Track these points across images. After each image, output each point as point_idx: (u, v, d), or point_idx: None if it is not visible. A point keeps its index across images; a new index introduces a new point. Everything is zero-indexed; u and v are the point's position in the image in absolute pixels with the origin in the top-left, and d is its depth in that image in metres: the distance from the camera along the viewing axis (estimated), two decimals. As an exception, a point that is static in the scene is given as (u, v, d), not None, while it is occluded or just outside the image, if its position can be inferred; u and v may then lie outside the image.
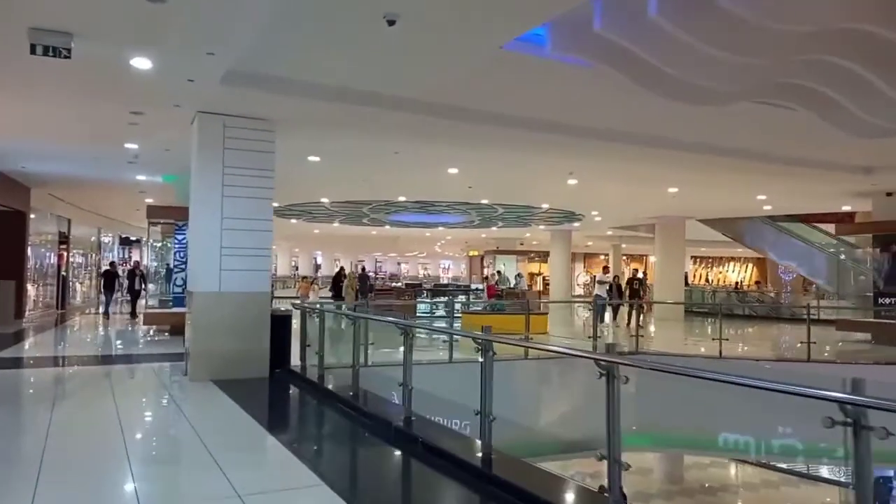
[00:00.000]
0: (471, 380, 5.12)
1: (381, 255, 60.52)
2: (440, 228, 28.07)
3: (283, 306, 10.47)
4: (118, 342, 12.82)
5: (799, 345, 11.73)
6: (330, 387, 7.26)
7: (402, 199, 17.43)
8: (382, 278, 45.46)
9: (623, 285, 18.67)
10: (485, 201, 17.61)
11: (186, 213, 13.83)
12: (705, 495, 8.68)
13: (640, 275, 19.86)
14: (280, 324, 8.46)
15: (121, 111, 8.06)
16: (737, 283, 40.41)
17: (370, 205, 18.82)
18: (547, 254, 41.27)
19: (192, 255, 8.42)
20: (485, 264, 45.18)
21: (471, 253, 44.07)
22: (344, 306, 13.74)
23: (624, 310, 16.69)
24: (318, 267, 52.41)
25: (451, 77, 6.89)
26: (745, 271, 45.76)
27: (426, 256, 63.97)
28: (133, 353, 10.74)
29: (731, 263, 45.92)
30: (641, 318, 14.73)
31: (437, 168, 12.07)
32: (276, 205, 13.35)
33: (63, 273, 19.97)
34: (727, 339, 10.89)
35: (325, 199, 17.72)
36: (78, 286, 22.07)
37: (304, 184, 14.55)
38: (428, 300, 20.04)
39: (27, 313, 15.97)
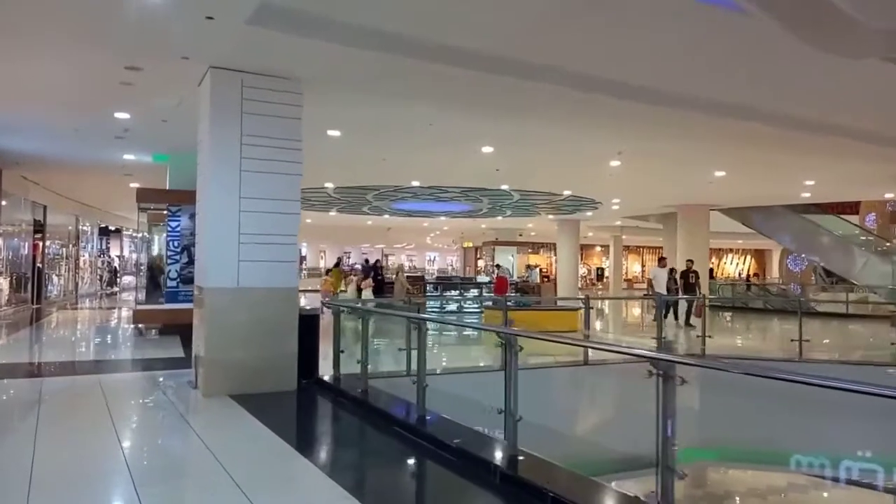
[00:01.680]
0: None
1: (368, 246, 59.00)
2: (441, 218, 26.70)
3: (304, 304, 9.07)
4: (105, 344, 11.30)
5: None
6: (381, 406, 5.89)
7: (415, 183, 16.01)
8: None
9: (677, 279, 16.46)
10: (504, 187, 16.27)
11: (180, 198, 12.35)
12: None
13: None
14: (307, 326, 7.05)
15: (114, 66, 6.57)
16: (748, 275, 39.51)
17: (377, 190, 17.38)
18: (543, 245, 40.17)
19: (201, 243, 6.96)
20: (478, 256, 43.90)
21: (465, 244, 42.71)
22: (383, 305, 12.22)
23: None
24: (303, 259, 50.65)
25: (526, 23, 5.53)
26: (744, 263, 45.08)
27: (413, 248, 62.63)
28: (125, 359, 9.25)
29: (730, 255, 45.19)
30: (692, 315, 13.46)
31: (469, 145, 10.69)
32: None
33: (39, 265, 18.25)
34: (803, 340, 9.68)
35: (329, 184, 16.24)
36: (55, 279, 20.33)
37: (313, 166, 13.00)
38: (454, 296, 18.53)
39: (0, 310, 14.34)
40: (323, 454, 5.07)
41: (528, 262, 31.70)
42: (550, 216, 24.69)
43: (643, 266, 45.24)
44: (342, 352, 7.10)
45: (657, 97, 7.52)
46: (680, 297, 14.22)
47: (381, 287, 16.52)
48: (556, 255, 42.06)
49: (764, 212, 20.88)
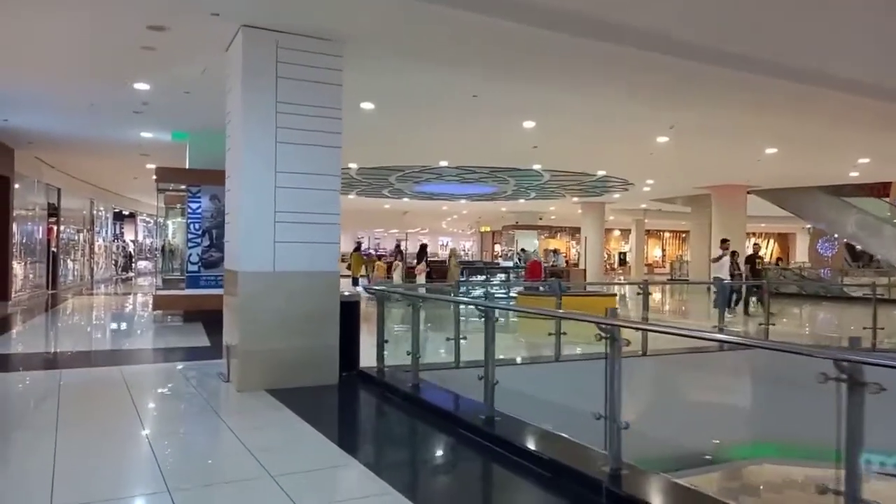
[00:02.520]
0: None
1: (381, 231, 58.25)
2: (462, 201, 26.02)
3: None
4: (125, 332, 10.76)
5: None
6: (438, 403, 5.26)
7: (443, 163, 15.31)
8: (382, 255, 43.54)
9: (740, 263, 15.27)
10: (536, 166, 15.53)
11: (201, 178, 11.73)
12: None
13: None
14: (347, 313, 6.41)
15: (136, 25, 5.92)
16: (779, 258, 38.52)
17: (402, 172, 16.69)
18: (561, 229, 39.33)
19: (233, 223, 6.33)
20: (495, 240, 43.14)
21: (482, 229, 42.01)
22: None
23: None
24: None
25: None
26: (767, 247, 44.07)
27: (427, 233, 61.94)
28: (146, 348, 8.67)
29: (752, 239, 44.15)
30: (753, 304, 12.44)
31: (511, 119, 9.97)
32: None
33: (53, 249, 17.76)
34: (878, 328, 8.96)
35: (353, 165, 15.57)
36: (70, 264, 19.85)
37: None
38: (493, 282, 17.67)
39: (13, 295, 13.84)
40: (377, 456, 4.46)
41: (545, 247, 30.83)
42: (575, 199, 23.94)
43: (663, 250, 44.39)
44: (386, 342, 6.48)
45: (723, 58, 6.78)
46: (744, 282, 13.21)
47: (429, 273, 15.64)
48: (572, 238, 41.42)
49: (801, 193, 20.02)
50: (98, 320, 12.25)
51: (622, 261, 38.09)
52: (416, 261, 16.30)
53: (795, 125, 10.23)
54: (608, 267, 40.44)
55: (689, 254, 29.18)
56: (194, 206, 11.62)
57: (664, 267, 42.95)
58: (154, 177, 12.00)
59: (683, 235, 44.30)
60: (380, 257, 16.87)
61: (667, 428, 6.81)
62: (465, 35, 6.16)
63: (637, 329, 4.08)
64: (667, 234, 44.26)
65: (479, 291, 12.54)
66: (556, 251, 27.45)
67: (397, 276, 15.04)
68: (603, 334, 3.58)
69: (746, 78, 7.39)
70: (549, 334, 7.33)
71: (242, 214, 5.89)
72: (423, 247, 18.23)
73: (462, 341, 6.70)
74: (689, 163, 14.23)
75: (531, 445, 4.03)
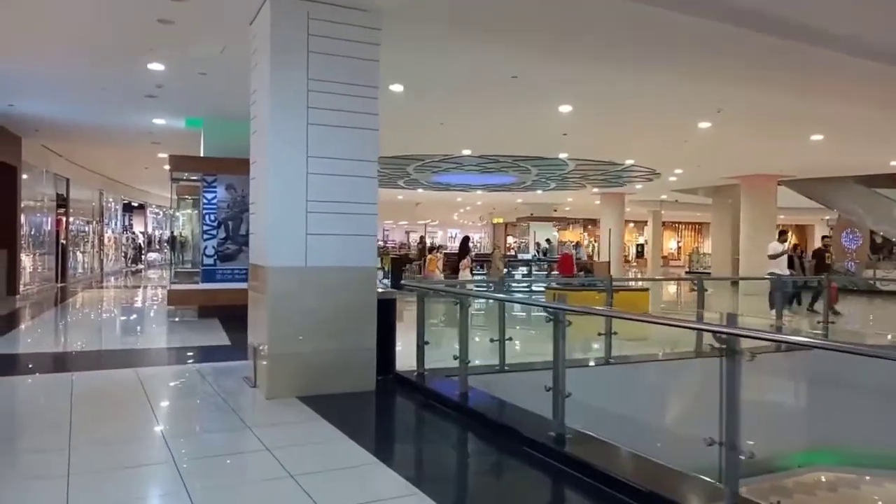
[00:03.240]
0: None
1: (391, 222, 57.69)
2: (478, 191, 25.43)
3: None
4: (139, 329, 10.25)
5: None
6: (493, 416, 4.70)
7: (466, 152, 14.70)
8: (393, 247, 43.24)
9: (794, 259, 14.45)
10: (563, 155, 14.90)
11: (218, 166, 11.17)
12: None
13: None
14: (382, 312, 5.84)
15: (153, -5, 5.35)
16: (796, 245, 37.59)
17: (421, 161, 16.09)
18: (574, 221, 38.64)
19: (259, 213, 5.78)
20: (507, 232, 42.48)
21: (495, 220, 41.39)
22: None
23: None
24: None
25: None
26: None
27: (437, 224, 61.35)
28: (163, 348, 8.14)
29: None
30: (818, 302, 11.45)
31: (548, 103, 9.37)
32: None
33: (62, 241, 17.29)
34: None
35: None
36: (79, 256, 19.39)
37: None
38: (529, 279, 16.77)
39: (22, 288, 13.36)
40: (438, 483, 3.90)
41: (562, 239, 30.10)
42: (595, 189, 23.29)
43: (679, 242, 43.69)
44: (427, 343, 5.92)
45: (785, 28, 6.16)
46: (815, 277, 12.06)
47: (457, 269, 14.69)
48: (584, 230, 40.75)
49: (833, 183, 19.30)
50: (110, 316, 11.76)
51: (639, 253, 37.31)
52: (462, 254, 15.15)
53: (846, 110, 9.59)
54: (625, 259, 39.81)
55: (710, 246, 28.55)
56: (209, 196, 11.07)
57: (679, 259, 42.28)
58: (167, 166, 11.47)
59: (699, 227, 43.59)
60: (431, 249, 15.79)
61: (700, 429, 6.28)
62: (513, 5, 5.56)
63: (767, 340, 3.48)
64: (682, 226, 43.52)
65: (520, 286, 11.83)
66: (577, 244, 26.66)
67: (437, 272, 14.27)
68: (719, 345, 2.99)
69: (806, 53, 6.75)
70: (599, 334, 6.74)
71: (270, 204, 5.32)
72: (466, 239, 17.04)
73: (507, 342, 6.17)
74: (726, 151, 13.56)
75: (622, 472, 3.46)
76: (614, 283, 9.10)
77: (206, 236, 11.07)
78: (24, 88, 9.03)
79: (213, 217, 11.09)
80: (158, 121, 11.04)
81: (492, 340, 6.23)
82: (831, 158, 14.30)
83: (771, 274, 11.26)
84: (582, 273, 12.77)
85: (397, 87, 8.37)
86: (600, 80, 8.24)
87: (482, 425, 4.65)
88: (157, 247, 33.13)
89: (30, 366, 6.85)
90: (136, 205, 29.91)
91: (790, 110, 9.66)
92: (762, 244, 17.97)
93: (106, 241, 22.99)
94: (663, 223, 40.78)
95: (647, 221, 33.83)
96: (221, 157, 10.75)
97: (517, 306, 10.37)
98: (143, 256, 29.66)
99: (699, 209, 34.77)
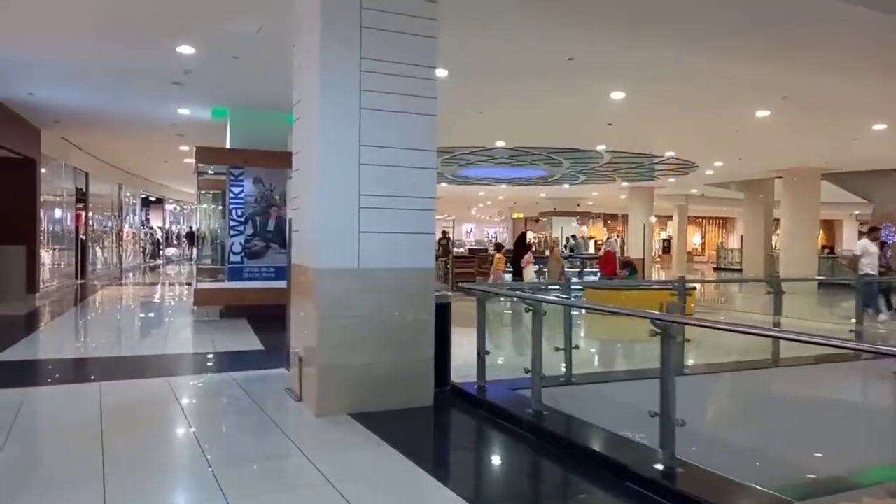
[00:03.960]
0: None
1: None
2: (502, 185, 24.80)
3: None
4: (165, 331, 9.75)
5: None
6: (579, 440, 4.11)
7: (499, 144, 14.09)
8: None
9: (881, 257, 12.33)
10: (600, 147, 14.23)
11: (247, 158, 10.61)
12: None
13: None
14: (437, 317, 5.27)
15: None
16: (825, 246, 36.80)
17: (452, 153, 15.48)
18: (594, 216, 37.78)
19: (304, 208, 5.21)
20: (527, 227, 41.68)
21: (515, 215, 40.70)
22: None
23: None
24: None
25: None
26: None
27: (453, 219, 60.83)
28: (193, 353, 7.59)
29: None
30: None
31: (601, 88, 8.75)
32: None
33: (82, 237, 16.89)
34: None
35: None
36: (99, 251, 19.01)
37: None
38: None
39: (42, 286, 12.94)
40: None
41: (582, 235, 29.21)
42: (624, 183, 22.58)
43: (703, 238, 42.79)
44: (488, 353, 5.34)
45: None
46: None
47: (518, 268, 13.61)
48: (605, 225, 39.91)
49: (877, 176, 18.47)
50: (133, 316, 11.27)
51: (666, 248, 36.46)
52: (522, 251, 14.06)
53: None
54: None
55: (735, 242, 27.70)
56: (236, 190, 10.56)
57: (703, 255, 41.38)
58: (188, 159, 10.96)
59: (723, 222, 42.66)
60: (498, 248, 14.75)
61: (799, 448, 5.64)
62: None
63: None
64: (705, 221, 42.60)
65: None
66: (609, 239, 25.76)
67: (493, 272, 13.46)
68: None
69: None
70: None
71: (319, 198, 4.75)
72: (524, 235, 15.77)
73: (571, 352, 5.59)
74: (777, 142, 12.82)
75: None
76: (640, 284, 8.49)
77: (232, 232, 10.57)
78: (44, 75, 8.53)
79: (239, 212, 10.58)
80: (183, 111, 10.54)
81: (556, 349, 5.64)
82: (884, 150, 13.53)
83: (864, 275, 10.16)
84: (625, 272, 12.02)
85: (441, 72, 7.76)
86: (662, 64, 7.61)
87: (564, 450, 4.06)
88: (175, 242, 32.83)
89: (53, 375, 6.36)
90: (153, 199, 29.58)
91: (859, 98, 8.97)
92: (804, 240, 17.27)
93: (125, 236, 22.63)
94: (688, 219, 40.01)
95: (671, 216, 32.98)
96: (249, 148, 10.26)
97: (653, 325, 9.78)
98: (161, 252, 29.33)
99: (725, 203, 33.92)
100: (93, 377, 6.02)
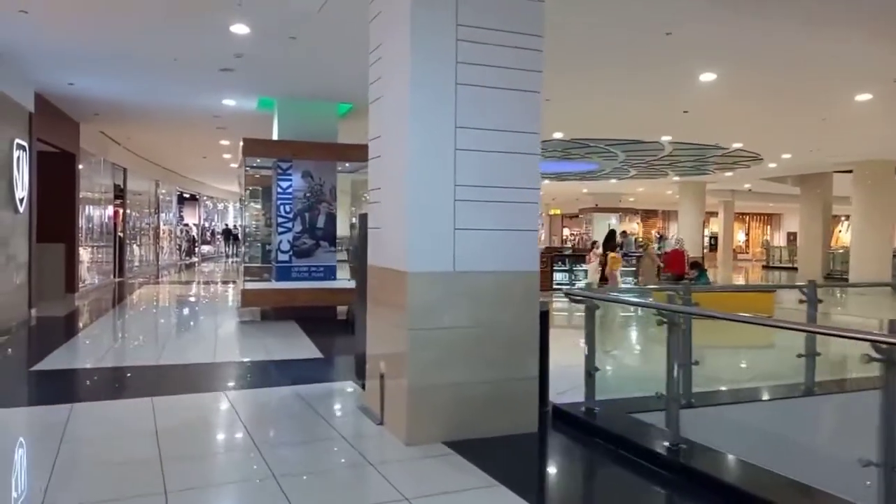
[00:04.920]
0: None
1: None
2: (545, 181, 23.94)
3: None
4: (213, 335, 9.15)
5: None
6: (743, 485, 3.34)
7: (557, 136, 13.28)
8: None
9: None
10: (665, 138, 13.34)
11: (296, 150, 9.95)
12: None
13: None
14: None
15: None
16: None
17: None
18: (632, 211, 36.64)
19: (385, 201, 4.51)
20: (564, 224, 40.76)
21: (552, 212, 39.76)
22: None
23: None
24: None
25: None
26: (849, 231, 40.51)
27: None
28: (248, 361, 6.93)
29: (844, 222, 40.63)
30: None
31: (690, 69, 7.90)
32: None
33: (119, 234, 16.50)
34: None
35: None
36: (136, 249, 18.64)
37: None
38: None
39: (80, 285, 12.49)
40: None
41: (631, 232, 28.07)
42: (676, 178, 21.56)
43: (747, 235, 41.34)
44: (597, 370, 4.59)
45: None
46: None
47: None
48: (643, 222, 38.73)
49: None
50: (176, 318, 10.71)
51: (713, 246, 35.15)
52: (601, 250, 13.09)
53: None
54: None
55: (796, 239, 26.40)
56: (284, 184, 9.95)
57: (748, 252, 39.96)
58: (227, 154, 10.38)
59: (767, 218, 41.18)
60: (611, 247, 13.88)
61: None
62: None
63: None
64: (749, 217, 41.14)
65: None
66: (673, 237, 24.31)
67: (591, 272, 12.57)
68: None
69: None
70: (799, 356, 5.28)
71: (406, 189, 4.04)
72: (613, 233, 14.83)
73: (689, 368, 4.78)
74: (870, 128, 11.69)
75: None
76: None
77: (280, 230, 9.96)
78: (87, 64, 7.99)
79: (287, 208, 9.97)
80: (228, 101, 9.95)
81: (694, 365, 4.82)
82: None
83: None
84: (694, 272, 11.15)
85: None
86: (765, 44, 6.78)
87: (717, 495, 3.29)
88: (209, 239, 32.58)
89: (99, 387, 5.77)
90: (187, 196, 29.31)
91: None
92: (876, 238, 16.14)
93: (161, 233, 22.31)
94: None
95: (716, 212, 31.76)
96: (298, 140, 9.64)
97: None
98: (195, 249, 29.06)
99: (772, 199, 32.56)
100: (143, 391, 5.39)
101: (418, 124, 4.02)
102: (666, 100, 9.46)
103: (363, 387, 5.17)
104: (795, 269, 24.49)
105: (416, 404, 4.00)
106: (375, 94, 4.68)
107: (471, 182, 4.11)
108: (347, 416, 4.67)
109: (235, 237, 34.16)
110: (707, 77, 8.07)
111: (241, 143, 9.17)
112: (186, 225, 29.16)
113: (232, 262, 27.78)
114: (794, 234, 30.51)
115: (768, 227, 41.48)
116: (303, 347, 7.37)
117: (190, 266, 24.53)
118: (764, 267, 30.73)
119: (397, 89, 4.22)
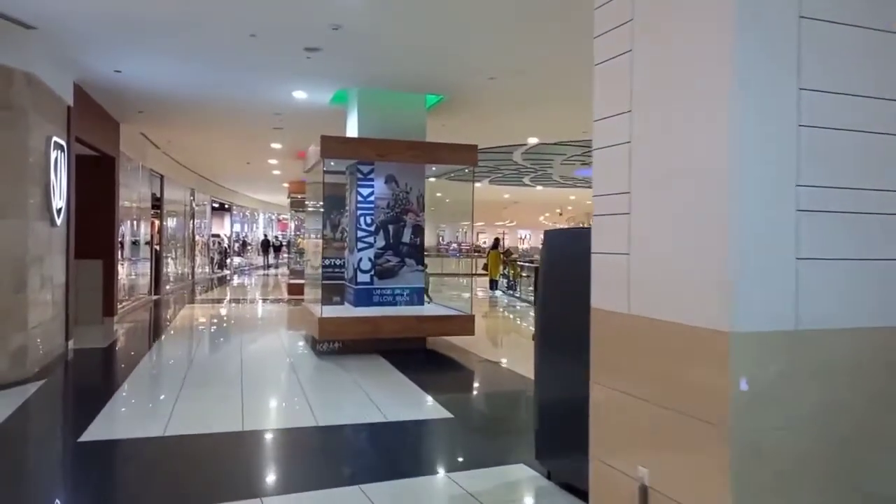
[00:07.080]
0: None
1: (466, 223, 55.23)
2: (587, 189, 22.37)
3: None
4: (294, 382, 7.34)
5: None
6: None
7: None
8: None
9: None
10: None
11: (381, 150, 8.32)
12: None
13: None
14: None
15: None
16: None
17: (565, 155, 13.20)
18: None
19: (637, 206, 2.85)
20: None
21: (591, 223, 38.23)
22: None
23: None
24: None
25: None
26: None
27: (514, 225, 58.90)
28: (364, 425, 5.07)
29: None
30: None
31: None
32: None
33: (156, 247, 15.07)
34: None
35: (533, 139, 12.11)
36: (171, 263, 17.19)
37: (535, 104, 9.07)
38: None
39: (118, 307, 10.99)
40: None
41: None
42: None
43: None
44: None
45: None
46: None
47: None
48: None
49: None
50: (240, 353, 8.42)
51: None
52: None
53: None
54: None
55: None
56: (365, 191, 8.39)
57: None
58: (273, 160, 8.91)
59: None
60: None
61: None
62: None
63: None
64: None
65: None
66: None
67: None
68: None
69: None
70: None
71: (727, 193, 2.40)
72: None
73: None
74: None
75: None
76: None
77: (360, 245, 8.39)
78: (142, 39, 6.49)
79: (369, 220, 8.41)
80: (300, 94, 8.46)
81: None
82: None
83: None
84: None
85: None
86: None
87: None
88: (239, 251, 31.26)
89: (164, 479, 4.12)
90: (216, 205, 28.00)
91: None
92: None
93: (197, 246, 20.94)
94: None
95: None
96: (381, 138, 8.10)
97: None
98: (227, 262, 27.70)
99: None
100: (240, 484, 3.78)
101: (743, 76, 2.38)
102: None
103: (548, 475, 3.69)
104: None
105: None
106: (609, 50, 3.05)
107: (825, 181, 2.46)
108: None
109: (277, 248, 32.84)
110: None
111: (321, 141, 7.59)
112: (217, 236, 27.81)
113: (273, 274, 26.32)
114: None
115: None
116: (417, 401, 5.76)
117: (223, 280, 23.09)
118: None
119: (684, 30, 2.59)
